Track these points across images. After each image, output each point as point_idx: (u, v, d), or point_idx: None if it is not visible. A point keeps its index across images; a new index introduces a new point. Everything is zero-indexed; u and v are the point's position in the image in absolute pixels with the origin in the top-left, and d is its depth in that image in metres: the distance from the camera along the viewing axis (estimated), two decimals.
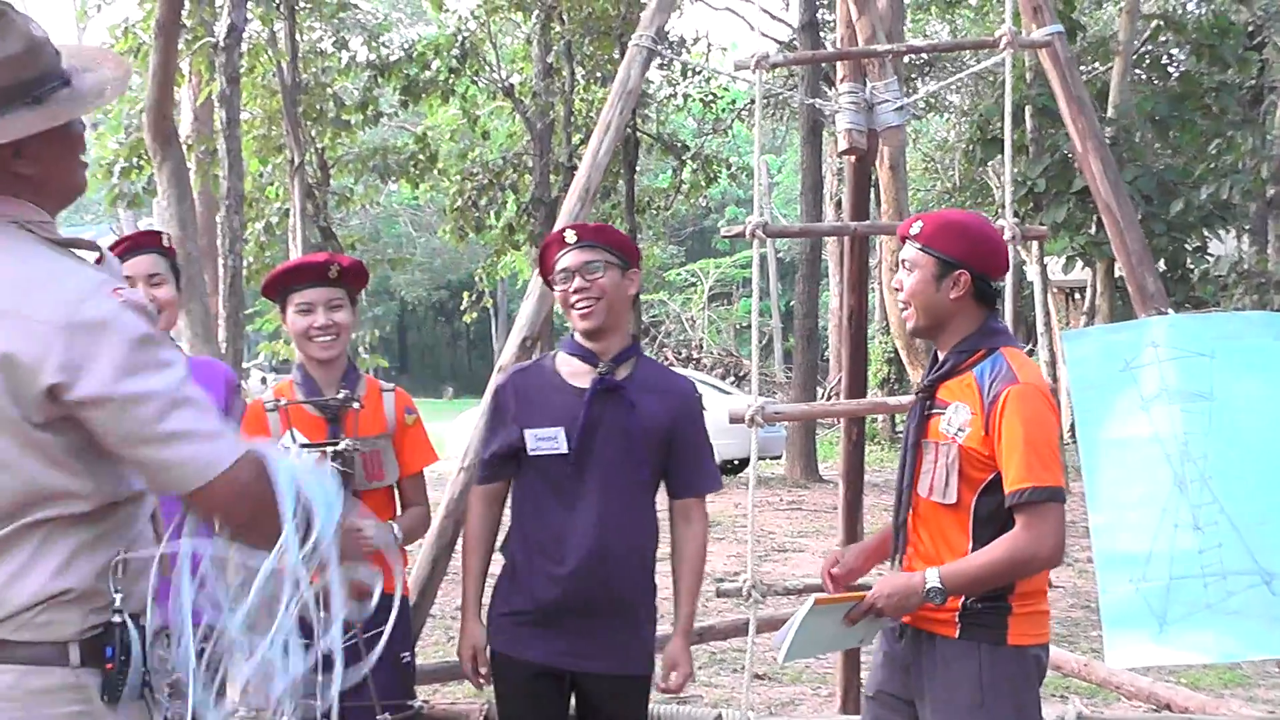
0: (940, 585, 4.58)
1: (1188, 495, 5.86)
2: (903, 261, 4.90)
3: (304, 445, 5.28)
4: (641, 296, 32.64)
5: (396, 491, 5.66)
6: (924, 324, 4.87)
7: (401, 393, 5.69)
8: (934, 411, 4.82)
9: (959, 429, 4.69)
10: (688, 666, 5.40)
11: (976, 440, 4.64)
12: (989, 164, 26.05)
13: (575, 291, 5.26)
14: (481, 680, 5.42)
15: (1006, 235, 6.41)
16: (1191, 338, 6.08)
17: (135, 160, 18.94)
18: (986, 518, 4.67)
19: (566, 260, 5.32)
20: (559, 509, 5.25)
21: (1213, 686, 9.65)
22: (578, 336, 5.38)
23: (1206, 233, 20.97)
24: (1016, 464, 4.54)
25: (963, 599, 4.67)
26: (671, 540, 5.45)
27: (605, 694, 5.29)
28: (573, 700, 5.41)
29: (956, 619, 4.70)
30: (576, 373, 5.33)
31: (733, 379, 38.96)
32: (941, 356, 4.89)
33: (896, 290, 4.93)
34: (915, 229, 4.89)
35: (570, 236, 5.36)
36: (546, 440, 5.26)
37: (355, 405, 5.37)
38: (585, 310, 5.26)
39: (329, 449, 5.22)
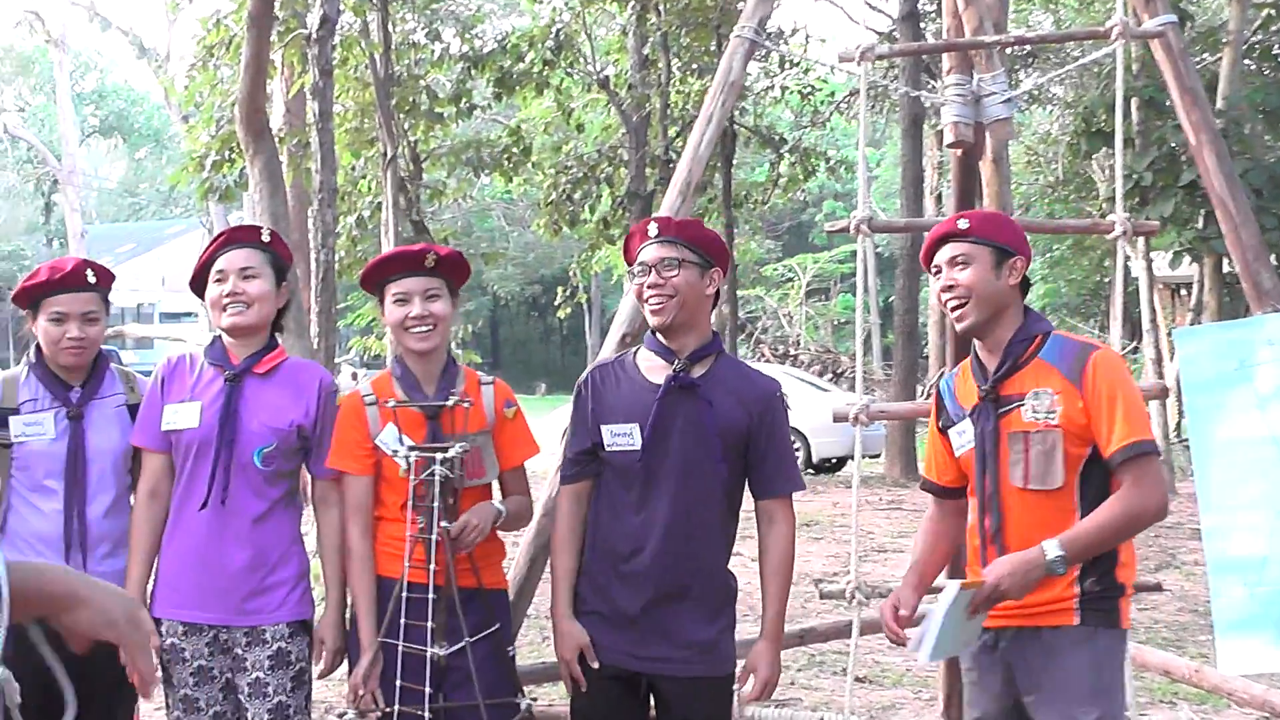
0: (1062, 553, 4.63)
1: None
2: (952, 260, 4.99)
3: (413, 448, 5.28)
4: (738, 292, 32.61)
5: (498, 486, 5.62)
6: (982, 317, 4.96)
7: (501, 385, 5.65)
8: (1008, 408, 4.89)
9: (1048, 412, 4.79)
10: (767, 671, 5.32)
11: (1073, 414, 4.75)
12: (1093, 157, 25.85)
13: (649, 287, 5.26)
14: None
15: (1118, 230, 6.40)
16: None
17: (227, 153, 19.02)
18: (1089, 494, 4.79)
19: (646, 254, 5.31)
20: (633, 507, 5.25)
21: None
22: (655, 333, 5.39)
23: None
24: (1120, 421, 4.70)
25: (1079, 585, 4.76)
26: (758, 543, 5.42)
27: (683, 697, 5.25)
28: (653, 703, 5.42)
29: (1075, 605, 4.79)
30: (654, 369, 5.33)
31: (830, 376, 38.86)
32: (989, 354, 5.00)
33: (950, 288, 4.97)
34: (963, 225, 5.02)
35: (652, 230, 5.34)
36: (621, 436, 5.27)
37: (466, 404, 5.36)
38: (656, 307, 5.26)
39: (438, 454, 5.22)
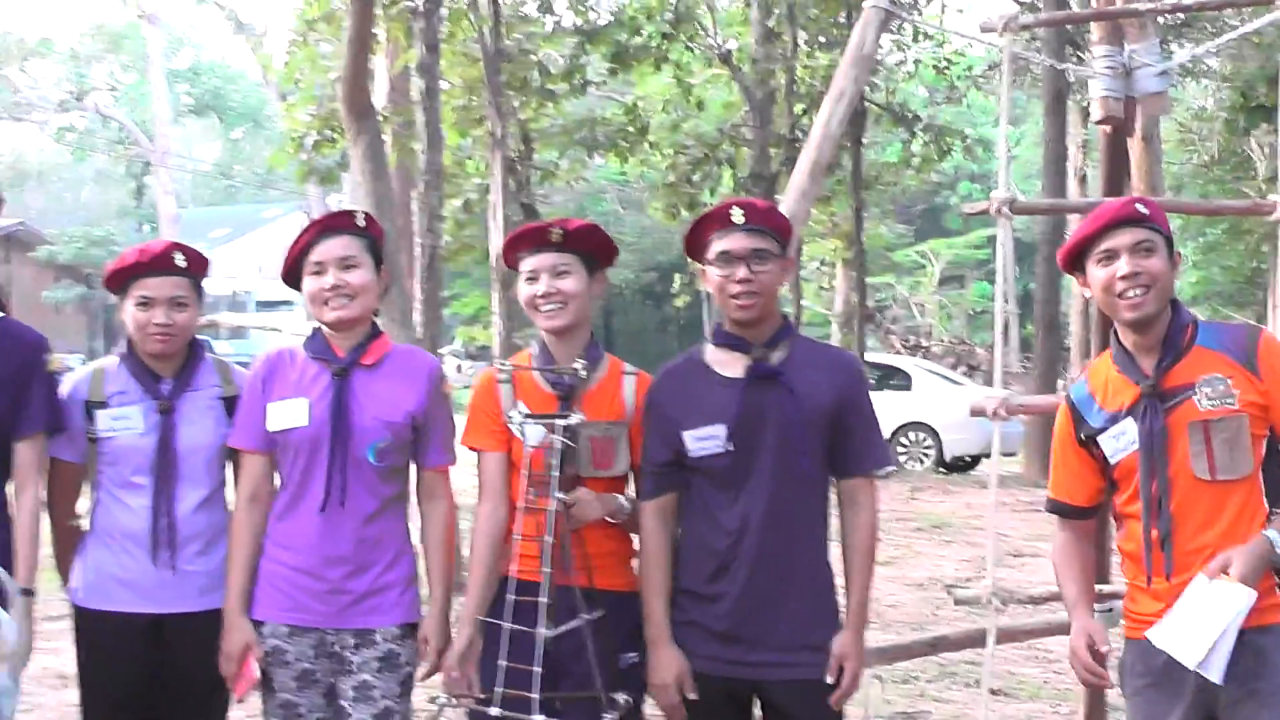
0: None
1: None
2: (1137, 245, 4.95)
3: (528, 416, 5.29)
4: (866, 279, 32.44)
5: (632, 485, 5.58)
6: (1158, 308, 4.96)
7: (646, 378, 5.60)
8: (1177, 401, 4.88)
9: (1225, 397, 4.81)
10: (856, 662, 5.26)
11: (1253, 395, 4.81)
12: (1252, 134, 25.56)
13: (738, 282, 5.21)
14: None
15: None
16: None
17: (328, 133, 19.12)
18: (1271, 478, 4.86)
19: (730, 243, 5.25)
20: (727, 510, 5.23)
21: None
22: (727, 325, 5.35)
23: None
24: None
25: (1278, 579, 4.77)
26: (840, 526, 5.38)
27: (794, 702, 5.23)
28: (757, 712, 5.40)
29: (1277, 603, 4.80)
30: (728, 362, 5.31)
31: (965, 369, 38.65)
32: (1146, 349, 4.99)
33: (1134, 275, 4.92)
34: (1144, 210, 5.01)
35: (738, 217, 5.27)
36: (707, 440, 5.23)
37: (580, 374, 5.34)
38: (747, 304, 5.22)
39: (556, 422, 5.23)
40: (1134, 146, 7.38)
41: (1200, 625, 4.68)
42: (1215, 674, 4.67)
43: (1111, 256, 4.97)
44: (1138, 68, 6.92)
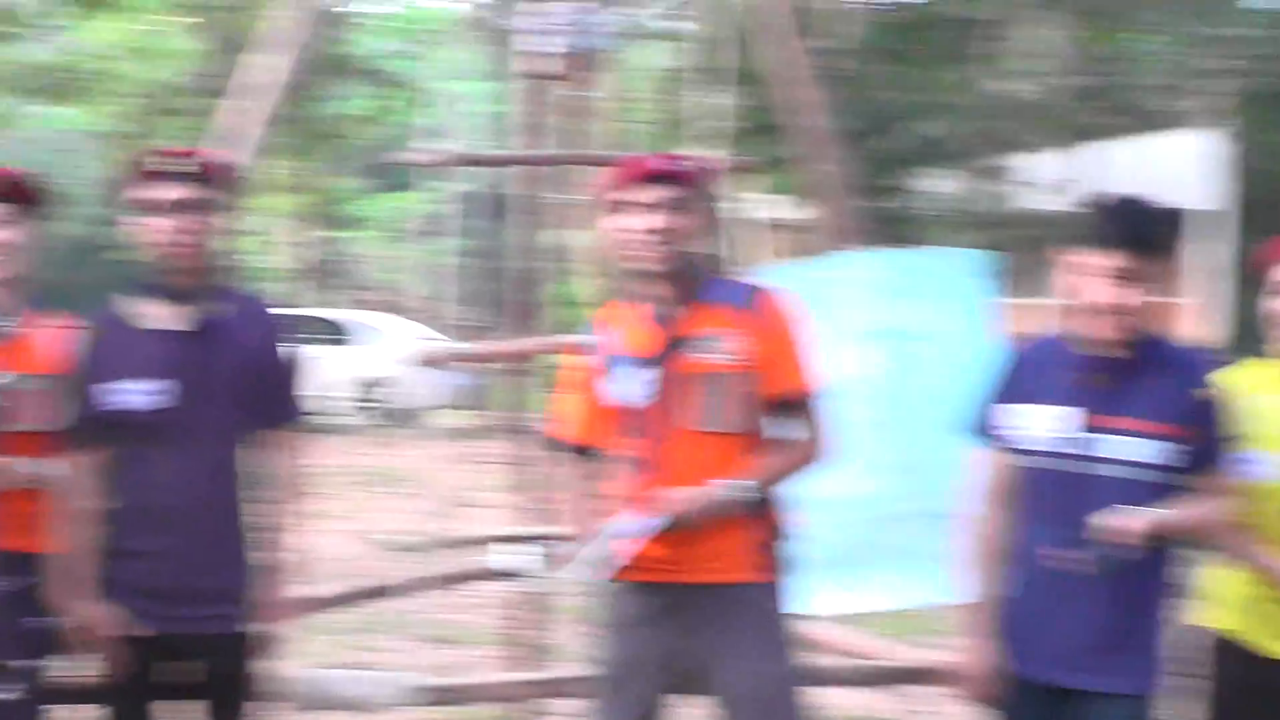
0: (736, 492, 4.87)
1: (877, 436, 6.10)
2: (670, 200, 4.98)
3: None
4: (321, 233, 32.29)
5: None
6: (678, 263, 5.01)
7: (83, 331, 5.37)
8: (681, 352, 4.99)
9: (725, 352, 4.95)
10: (284, 612, 5.29)
11: (750, 351, 4.93)
12: (700, 94, 26.29)
13: (171, 231, 5.08)
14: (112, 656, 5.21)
15: (716, 167, 6.54)
16: (887, 274, 6.31)
17: None
18: (764, 434, 5.00)
19: (162, 192, 5.10)
20: (158, 465, 5.11)
21: (893, 632, 9.72)
22: (157, 276, 5.21)
23: (916, 169, 21.47)
24: (797, 362, 5.01)
25: (750, 534, 4.96)
26: (267, 478, 5.31)
27: (224, 655, 5.22)
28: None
29: (750, 557, 4.98)
30: (161, 315, 5.18)
31: (420, 322, 38.83)
32: (661, 299, 5.06)
33: (665, 230, 4.99)
34: (679, 167, 5.09)
35: (171, 165, 5.15)
36: (136, 394, 5.10)
37: (6, 327, 5.18)
38: (179, 255, 5.10)
39: None
40: (581, 102, 7.53)
41: (598, 540, 4.93)
42: (580, 574, 4.97)
43: (640, 209, 5.00)
44: (581, 26, 7.06)
